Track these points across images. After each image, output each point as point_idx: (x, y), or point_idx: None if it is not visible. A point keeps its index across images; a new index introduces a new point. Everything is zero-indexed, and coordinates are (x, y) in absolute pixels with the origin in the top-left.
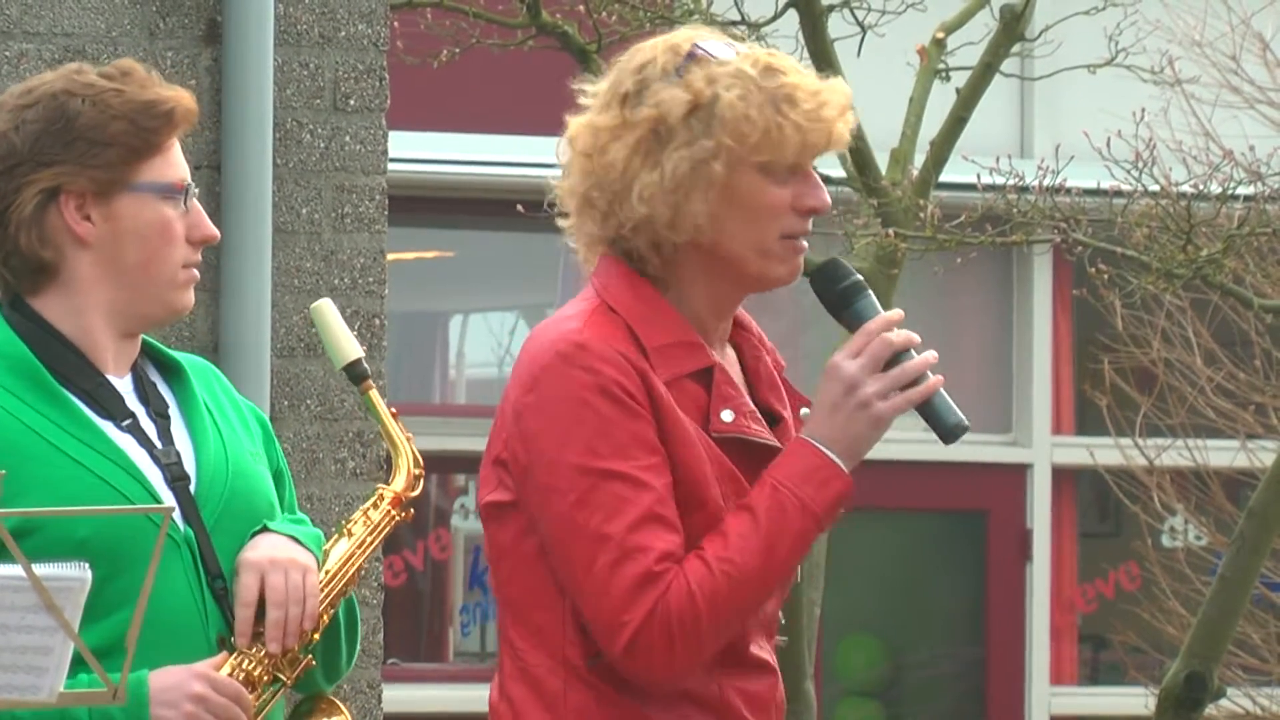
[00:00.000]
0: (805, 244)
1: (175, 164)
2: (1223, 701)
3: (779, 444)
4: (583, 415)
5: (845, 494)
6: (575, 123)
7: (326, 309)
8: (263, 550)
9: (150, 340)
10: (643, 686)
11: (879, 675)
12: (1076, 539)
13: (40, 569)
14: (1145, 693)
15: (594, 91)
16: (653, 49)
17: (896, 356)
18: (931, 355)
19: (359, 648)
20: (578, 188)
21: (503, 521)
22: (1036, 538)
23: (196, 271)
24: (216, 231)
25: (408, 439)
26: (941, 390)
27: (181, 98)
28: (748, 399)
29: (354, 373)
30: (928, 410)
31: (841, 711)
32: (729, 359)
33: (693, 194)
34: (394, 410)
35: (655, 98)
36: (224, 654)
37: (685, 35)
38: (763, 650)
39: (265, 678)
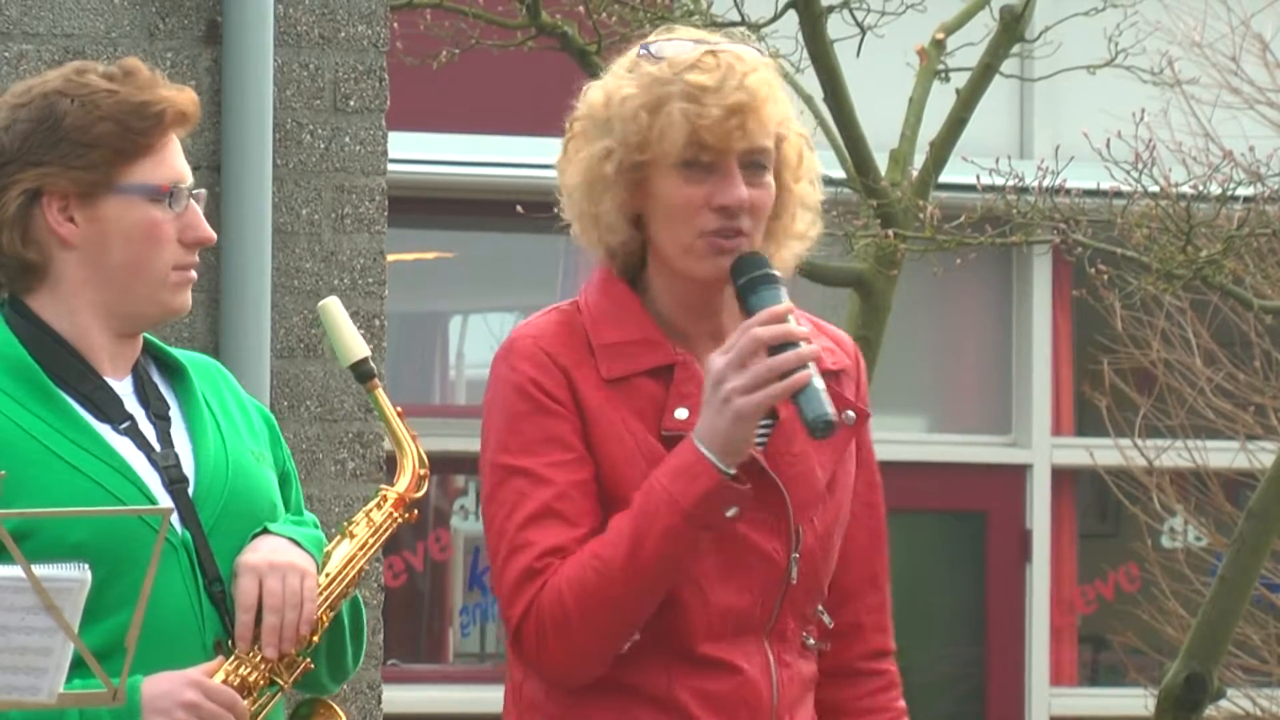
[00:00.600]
0: (733, 241)
1: (167, 165)
2: (1222, 702)
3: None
4: (501, 412)
5: (714, 490)
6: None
7: (334, 307)
8: (262, 553)
9: (153, 340)
10: (544, 679)
11: None
12: (1076, 540)
13: (40, 570)
14: (1145, 694)
15: None
16: (626, 55)
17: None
18: (808, 350)
19: (363, 644)
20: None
21: None
22: (1036, 538)
23: (192, 273)
24: (212, 234)
25: (413, 439)
26: (814, 385)
27: (177, 99)
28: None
29: (360, 371)
30: (796, 405)
31: None
32: None
33: (600, 196)
34: (400, 410)
35: (585, 99)
36: (220, 659)
37: (656, 35)
38: (730, 650)
39: (262, 682)
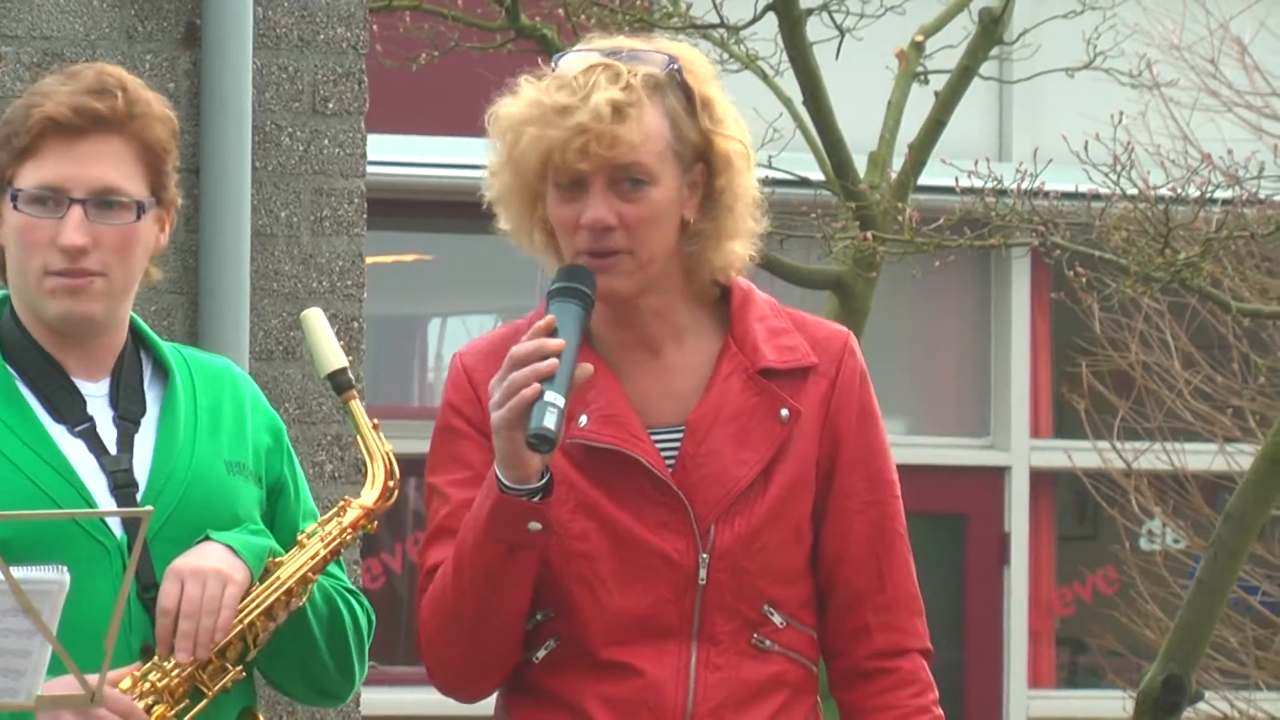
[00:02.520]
0: (607, 260)
1: (46, 168)
2: (1200, 705)
3: (631, 450)
4: (434, 431)
5: (498, 506)
6: None
7: (315, 318)
8: (190, 559)
9: (154, 341)
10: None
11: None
12: (1054, 542)
13: (18, 572)
14: (1123, 696)
15: None
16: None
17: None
18: (544, 365)
19: (361, 663)
20: None
21: None
22: (1014, 541)
23: (69, 279)
24: (73, 240)
25: (387, 452)
26: (545, 399)
27: (49, 106)
28: (618, 403)
29: (338, 381)
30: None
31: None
32: (673, 362)
33: (503, 210)
34: (375, 422)
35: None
36: (135, 664)
37: (579, 44)
38: (635, 654)
39: (182, 689)
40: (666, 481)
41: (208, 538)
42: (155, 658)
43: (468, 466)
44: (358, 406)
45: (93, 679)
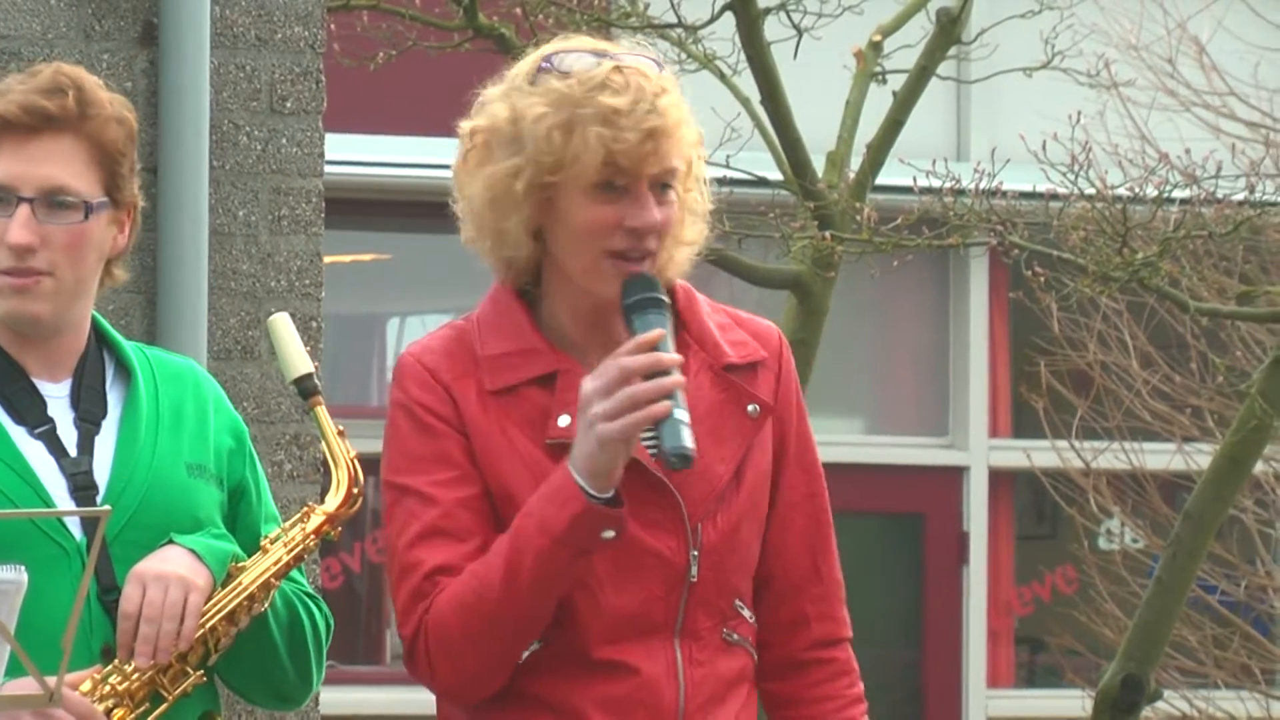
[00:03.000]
0: (639, 264)
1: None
2: (1159, 704)
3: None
4: (392, 432)
5: (581, 516)
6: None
7: (281, 322)
8: (152, 562)
9: (118, 342)
10: (437, 694)
11: None
12: (1013, 542)
13: None
14: (1082, 695)
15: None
16: (520, 64)
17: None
18: (669, 380)
19: (319, 668)
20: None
21: None
22: (973, 540)
23: (13, 278)
24: (20, 239)
25: (352, 458)
26: (675, 416)
27: (9, 104)
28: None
29: (304, 387)
30: (657, 435)
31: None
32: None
33: (506, 212)
34: (340, 428)
35: (487, 111)
36: (95, 667)
37: (555, 45)
38: (628, 653)
39: (142, 692)
40: (662, 480)
41: (171, 541)
42: (115, 661)
43: (454, 466)
44: (324, 412)
45: (51, 679)
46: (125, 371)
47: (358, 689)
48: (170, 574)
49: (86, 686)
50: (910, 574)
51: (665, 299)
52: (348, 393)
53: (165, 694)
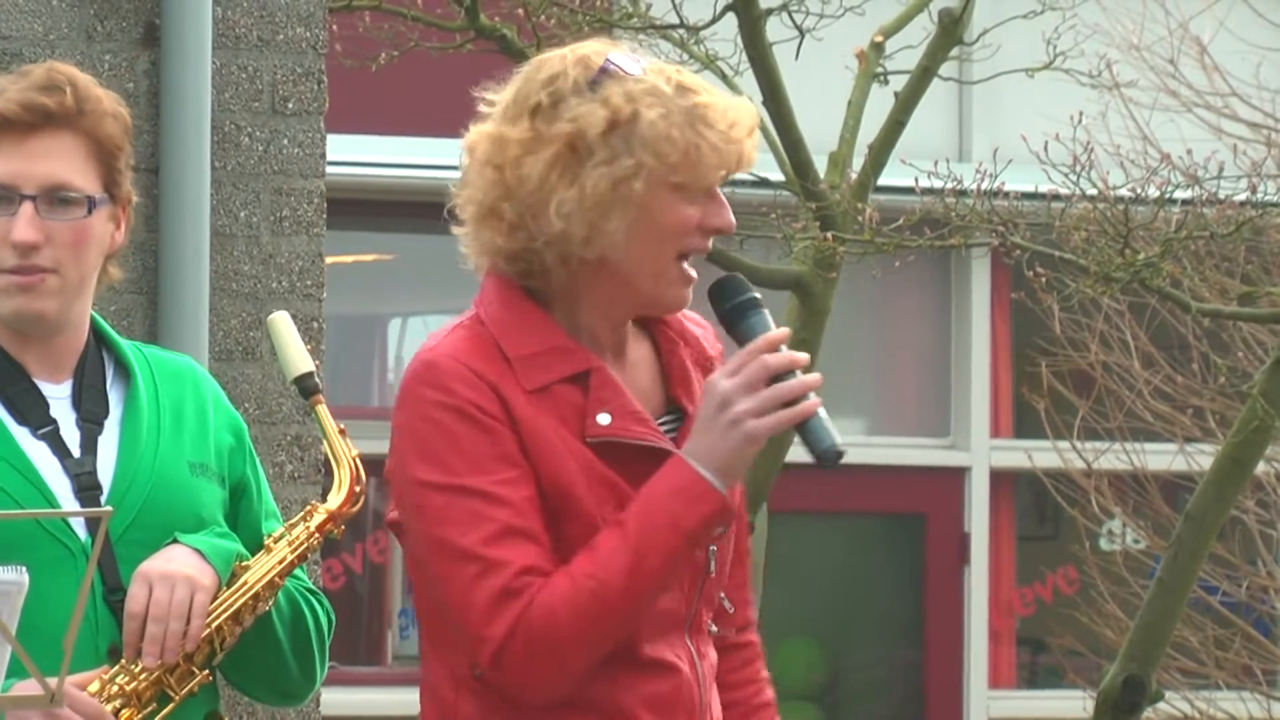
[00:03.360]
0: (695, 275)
1: None
2: (1160, 705)
3: (666, 445)
4: (436, 434)
5: (716, 512)
6: (477, 131)
7: (281, 321)
8: (158, 562)
9: (115, 341)
10: (516, 698)
11: (817, 679)
12: (1014, 542)
13: None
14: (1083, 696)
15: (498, 100)
16: (561, 61)
17: (782, 377)
18: (814, 378)
19: (322, 664)
20: (482, 198)
21: (404, 537)
22: (975, 541)
23: (20, 276)
24: (25, 237)
25: (354, 457)
26: (821, 413)
27: (8, 102)
28: (632, 400)
29: (304, 386)
30: (804, 432)
31: (780, 714)
32: (633, 359)
33: (611, 212)
34: (342, 427)
35: (571, 113)
36: (102, 667)
37: (594, 48)
38: (666, 650)
39: (149, 692)
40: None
41: (175, 541)
42: (122, 661)
43: (515, 465)
44: (325, 411)
45: (52, 680)
46: (124, 371)
47: (359, 690)
48: (176, 573)
49: (94, 687)
50: (911, 574)
51: (759, 296)
52: (349, 393)
53: (172, 694)
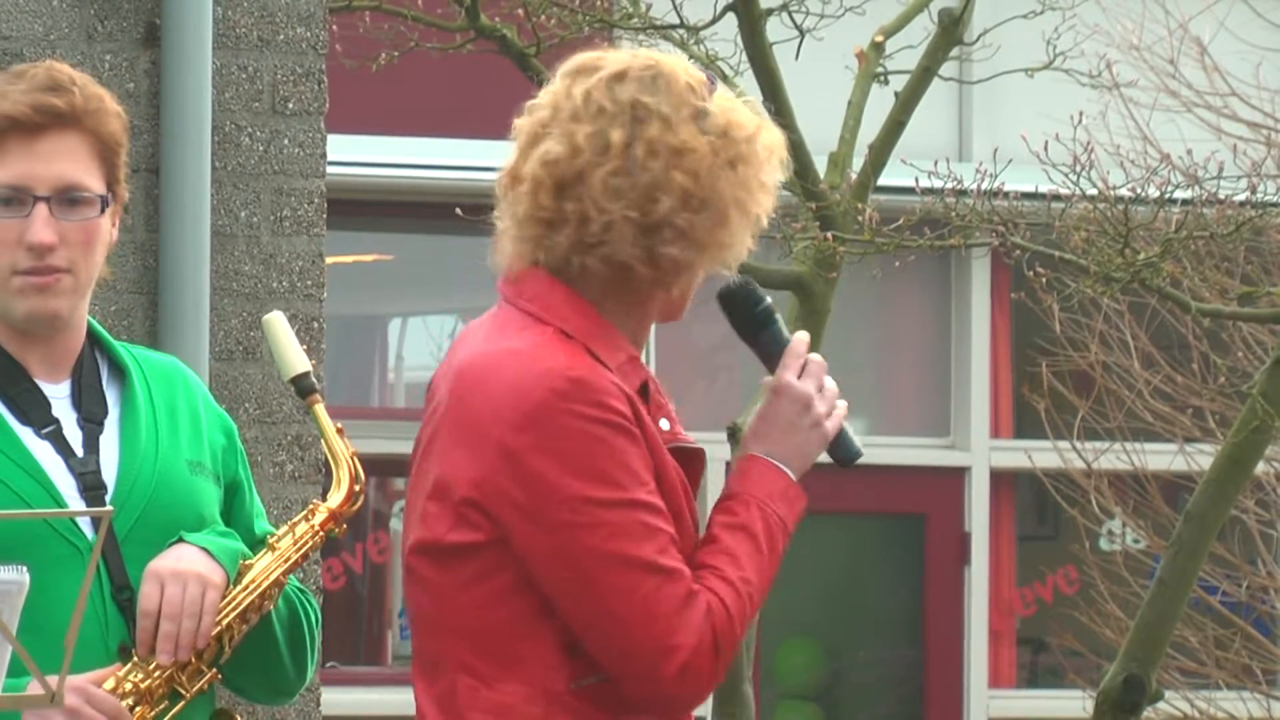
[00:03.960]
0: None
1: (8, 167)
2: (1161, 705)
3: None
4: (598, 450)
5: (804, 511)
6: (651, 137)
7: (277, 321)
8: (168, 561)
9: (109, 341)
10: (683, 709)
11: (817, 678)
12: (1015, 542)
13: None
14: (1083, 695)
15: (606, 107)
16: (671, 69)
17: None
18: (832, 387)
19: (315, 659)
20: (659, 206)
21: (464, 559)
22: (975, 541)
23: (38, 278)
24: (43, 238)
25: (352, 455)
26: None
27: (16, 104)
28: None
29: (301, 386)
30: (838, 434)
31: (780, 714)
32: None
33: (732, 219)
34: (339, 425)
35: (729, 120)
36: (115, 665)
37: (677, 60)
38: None
39: (161, 690)
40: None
41: (181, 540)
42: (135, 659)
43: (653, 475)
44: (322, 411)
45: (53, 680)
46: (117, 371)
47: (359, 690)
48: (187, 571)
49: (109, 685)
50: (911, 574)
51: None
52: (350, 394)
53: (183, 691)
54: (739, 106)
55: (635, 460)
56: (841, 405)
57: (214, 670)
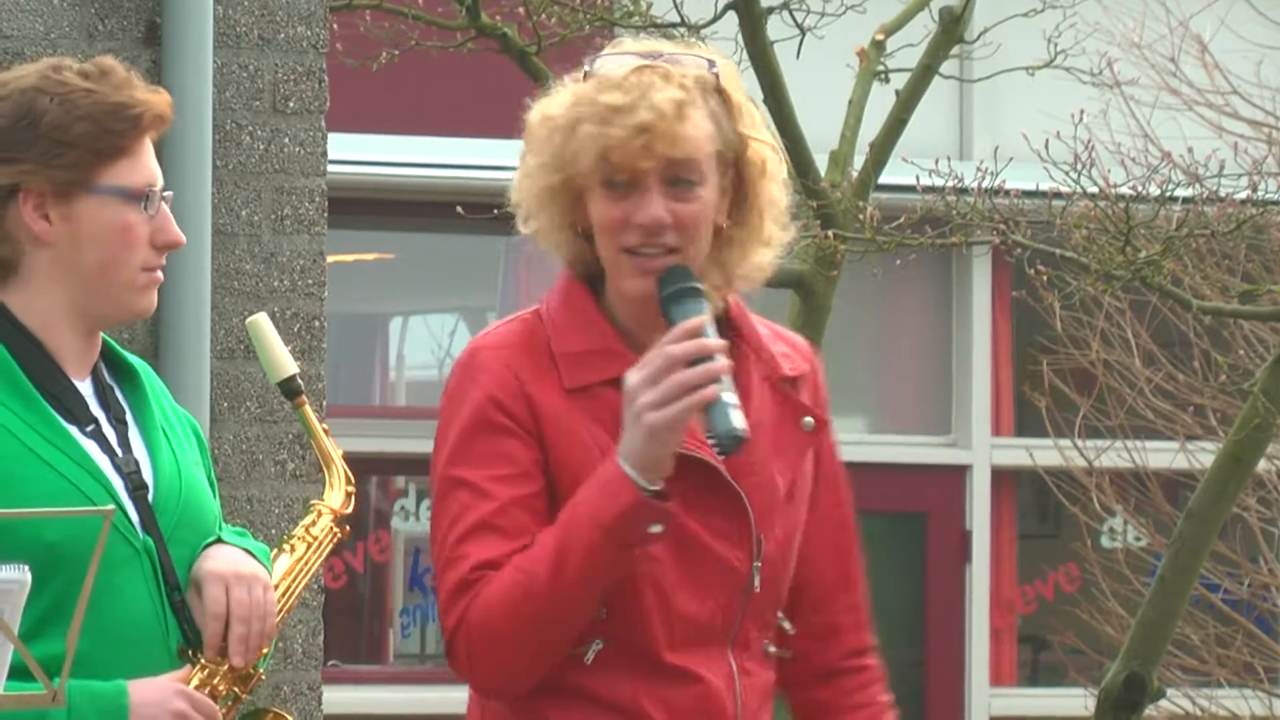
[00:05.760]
0: (658, 260)
1: (142, 167)
2: (1162, 702)
3: (692, 451)
4: (454, 422)
5: (632, 507)
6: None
7: (262, 323)
8: (224, 563)
9: (109, 342)
10: (472, 687)
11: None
12: (1016, 540)
13: None
14: (1084, 694)
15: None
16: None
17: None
18: (717, 365)
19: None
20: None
21: None
22: (976, 539)
23: (160, 274)
24: (182, 236)
25: (340, 457)
26: (725, 399)
27: (154, 102)
28: None
29: (288, 388)
30: (706, 419)
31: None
32: None
33: (538, 209)
34: (325, 427)
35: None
36: (188, 667)
37: (613, 48)
38: (694, 660)
39: (225, 691)
40: (734, 488)
41: (220, 541)
42: (202, 661)
43: (514, 463)
44: (309, 412)
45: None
46: (114, 370)
47: (360, 688)
48: (247, 574)
49: (194, 684)
50: (913, 573)
51: (702, 287)
52: (350, 393)
53: (239, 692)
54: None
55: (481, 442)
56: (709, 390)
57: (260, 671)
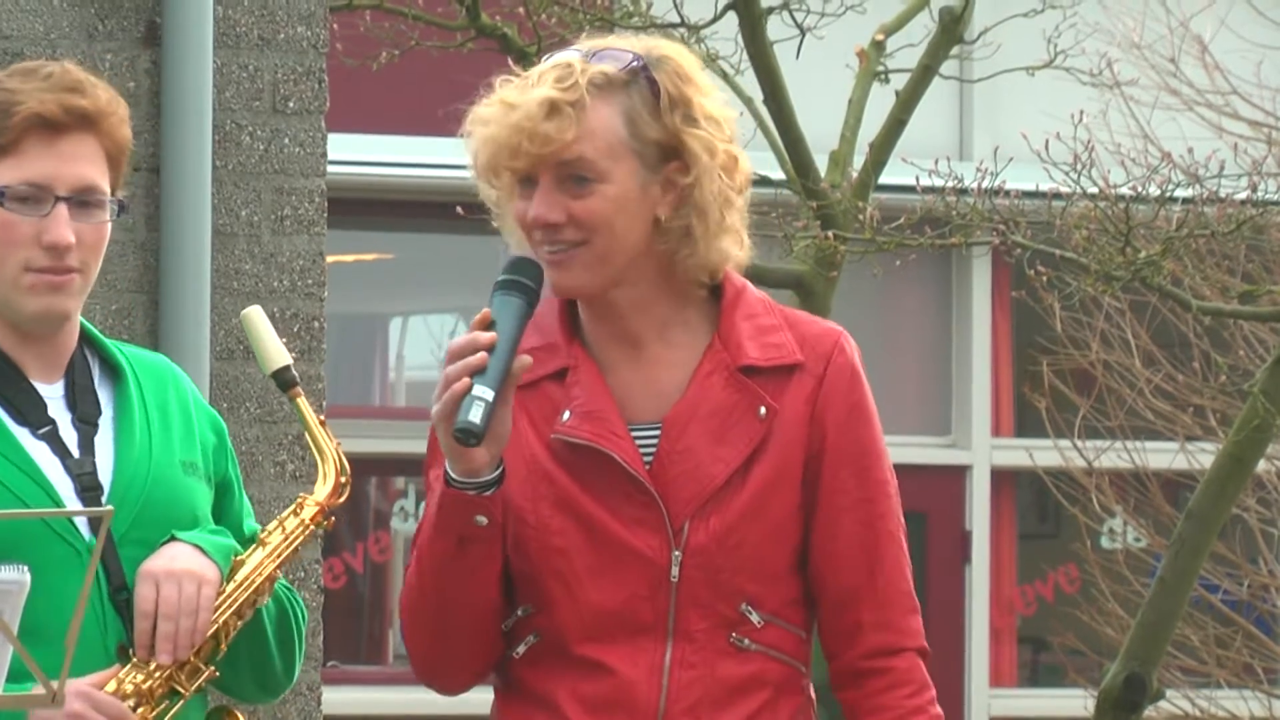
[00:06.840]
0: (561, 255)
1: (27, 166)
2: (1161, 703)
3: (606, 447)
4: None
5: (448, 500)
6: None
7: (256, 316)
8: (161, 560)
9: (101, 341)
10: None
11: (817, 676)
12: (1015, 541)
13: None
14: (1084, 694)
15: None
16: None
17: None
18: (475, 359)
19: (302, 657)
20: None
21: None
22: (975, 539)
23: (55, 277)
24: (65, 238)
25: (336, 446)
26: (477, 392)
27: (38, 103)
28: (599, 400)
29: (282, 379)
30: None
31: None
32: (667, 359)
33: (491, 205)
34: (322, 418)
35: None
36: (115, 667)
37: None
38: (607, 651)
39: (160, 690)
40: (640, 479)
41: (174, 538)
42: (134, 660)
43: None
44: (304, 403)
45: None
46: (109, 370)
47: (360, 689)
48: (180, 570)
49: (111, 686)
50: (912, 573)
51: (527, 282)
52: (350, 393)
53: (182, 690)
54: None
55: (433, 440)
56: (461, 383)
57: (211, 668)
